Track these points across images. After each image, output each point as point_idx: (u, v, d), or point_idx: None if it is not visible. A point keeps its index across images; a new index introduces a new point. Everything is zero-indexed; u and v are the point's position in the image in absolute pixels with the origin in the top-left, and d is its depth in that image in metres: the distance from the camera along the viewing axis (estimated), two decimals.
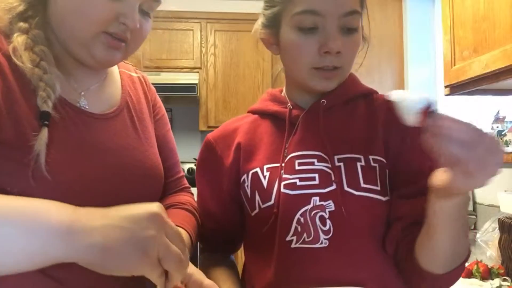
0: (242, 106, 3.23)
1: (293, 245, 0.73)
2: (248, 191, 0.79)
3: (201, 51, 3.28)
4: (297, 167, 0.76)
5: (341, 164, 0.75)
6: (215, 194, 0.87)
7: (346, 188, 0.73)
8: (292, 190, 0.74)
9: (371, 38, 0.85)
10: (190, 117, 3.49)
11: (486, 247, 1.57)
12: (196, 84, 3.18)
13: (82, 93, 0.76)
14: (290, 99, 0.85)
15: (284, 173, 0.76)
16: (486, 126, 2.15)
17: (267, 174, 0.77)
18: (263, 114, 0.87)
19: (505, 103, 2.05)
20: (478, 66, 1.45)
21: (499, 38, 1.37)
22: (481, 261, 1.34)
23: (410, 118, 0.56)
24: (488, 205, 1.93)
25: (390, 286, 0.75)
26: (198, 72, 3.27)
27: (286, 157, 0.78)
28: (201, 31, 3.27)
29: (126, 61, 0.90)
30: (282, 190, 0.74)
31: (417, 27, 2.87)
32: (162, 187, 0.85)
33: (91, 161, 0.70)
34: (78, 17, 0.67)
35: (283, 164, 0.77)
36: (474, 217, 1.93)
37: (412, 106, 0.55)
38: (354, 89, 0.84)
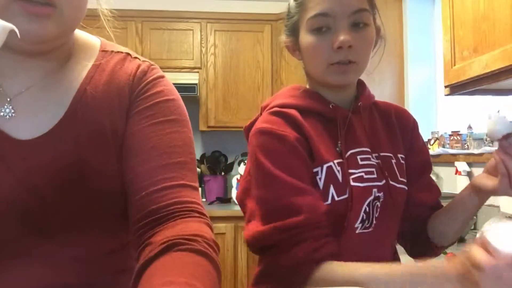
0: (242, 106, 3.23)
1: (357, 231, 0.82)
2: (321, 183, 0.80)
3: (201, 51, 3.27)
4: (360, 162, 0.84)
5: (380, 161, 0.86)
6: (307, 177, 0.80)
7: (390, 181, 0.85)
8: (361, 182, 0.82)
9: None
10: (190, 117, 3.40)
11: None
12: (196, 84, 3.18)
13: (9, 99, 0.61)
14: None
15: (349, 168, 0.82)
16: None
17: (339, 168, 0.82)
18: (306, 111, 0.85)
19: (505, 103, 2.05)
20: (478, 66, 1.45)
21: (499, 38, 1.36)
22: None
23: (495, 135, 0.75)
24: (488, 205, 1.92)
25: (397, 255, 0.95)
26: (198, 72, 3.27)
27: (345, 153, 0.84)
28: (201, 31, 3.27)
29: (124, 51, 0.74)
30: (353, 183, 0.81)
31: (417, 27, 2.87)
32: (133, 209, 0.64)
33: None
34: None
35: (344, 160, 0.84)
36: (474, 217, 1.93)
37: (501, 129, 0.74)
38: (372, 96, 0.96)
